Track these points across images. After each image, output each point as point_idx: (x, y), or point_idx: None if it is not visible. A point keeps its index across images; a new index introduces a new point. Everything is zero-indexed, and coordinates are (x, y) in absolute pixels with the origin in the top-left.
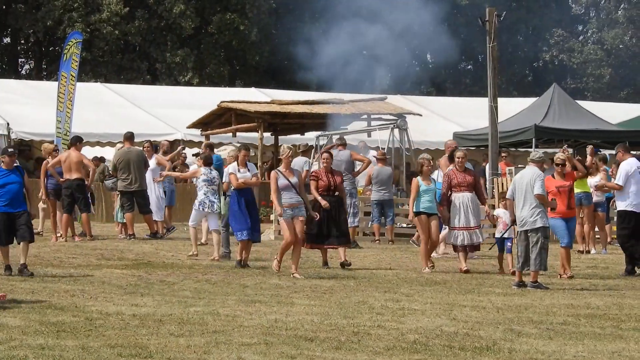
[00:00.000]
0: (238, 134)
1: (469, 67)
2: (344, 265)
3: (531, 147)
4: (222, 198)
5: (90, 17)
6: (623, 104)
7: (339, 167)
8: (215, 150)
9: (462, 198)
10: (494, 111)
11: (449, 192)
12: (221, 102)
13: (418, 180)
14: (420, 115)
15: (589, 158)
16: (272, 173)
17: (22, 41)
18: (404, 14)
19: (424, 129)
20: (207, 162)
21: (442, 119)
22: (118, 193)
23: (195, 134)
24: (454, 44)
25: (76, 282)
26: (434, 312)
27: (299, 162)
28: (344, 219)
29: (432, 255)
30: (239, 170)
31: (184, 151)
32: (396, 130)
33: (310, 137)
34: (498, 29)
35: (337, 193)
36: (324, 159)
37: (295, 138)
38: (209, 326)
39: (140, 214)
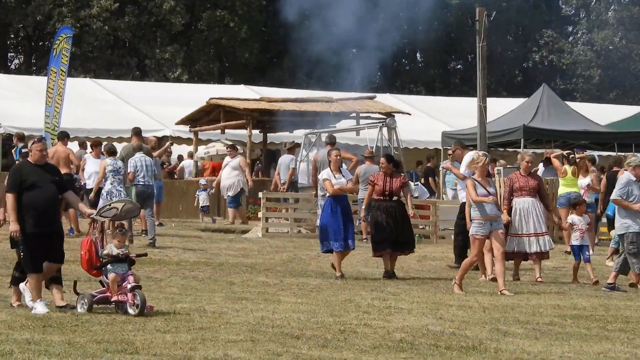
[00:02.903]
0: (227, 131)
1: (459, 66)
2: (390, 275)
3: (519, 148)
4: (134, 188)
5: (80, 13)
6: (612, 105)
7: (326, 165)
8: (203, 147)
9: (522, 203)
10: (482, 111)
11: (511, 197)
12: (210, 98)
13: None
14: (409, 114)
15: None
16: (469, 182)
17: (12, 35)
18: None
19: (413, 128)
20: (111, 152)
21: (431, 119)
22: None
23: (184, 131)
24: (444, 43)
25: (63, 278)
26: (421, 311)
27: (285, 160)
28: (404, 227)
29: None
30: (334, 176)
31: (171, 146)
32: (385, 129)
33: (298, 134)
34: (488, 29)
35: (394, 198)
36: (382, 164)
37: (284, 136)
38: (196, 323)
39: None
